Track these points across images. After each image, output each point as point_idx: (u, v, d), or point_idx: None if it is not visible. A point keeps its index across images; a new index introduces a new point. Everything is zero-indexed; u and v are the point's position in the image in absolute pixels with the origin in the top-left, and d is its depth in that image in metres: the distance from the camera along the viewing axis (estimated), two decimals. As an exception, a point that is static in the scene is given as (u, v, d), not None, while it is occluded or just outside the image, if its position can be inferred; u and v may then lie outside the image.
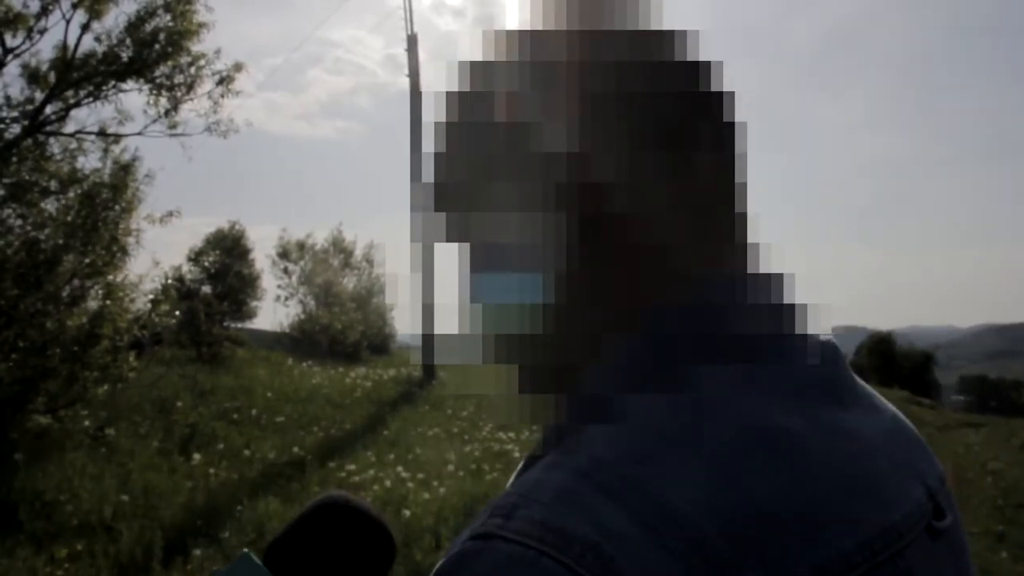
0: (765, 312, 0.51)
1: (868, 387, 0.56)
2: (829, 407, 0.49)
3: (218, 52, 8.25)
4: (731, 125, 0.53)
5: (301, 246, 19.43)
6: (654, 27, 0.52)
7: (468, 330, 0.55)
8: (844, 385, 0.53)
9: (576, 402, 0.49)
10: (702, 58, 0.52)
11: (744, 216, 0.54)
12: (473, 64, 0.54)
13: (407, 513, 5.56)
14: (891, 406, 0.57)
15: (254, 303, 17.61)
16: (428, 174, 0.56)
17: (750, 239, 0.54)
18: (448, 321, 0.56)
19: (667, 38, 0.52)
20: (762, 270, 0.53)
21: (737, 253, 0.53)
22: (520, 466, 0.53)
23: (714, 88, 0.52)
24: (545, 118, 0.51)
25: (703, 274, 0.51)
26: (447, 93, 0.55)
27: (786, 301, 0.52)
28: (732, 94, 0.53)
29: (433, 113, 0.56)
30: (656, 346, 0.48)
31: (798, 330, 0.52)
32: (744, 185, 0.54)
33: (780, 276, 0.53)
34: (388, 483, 6.48)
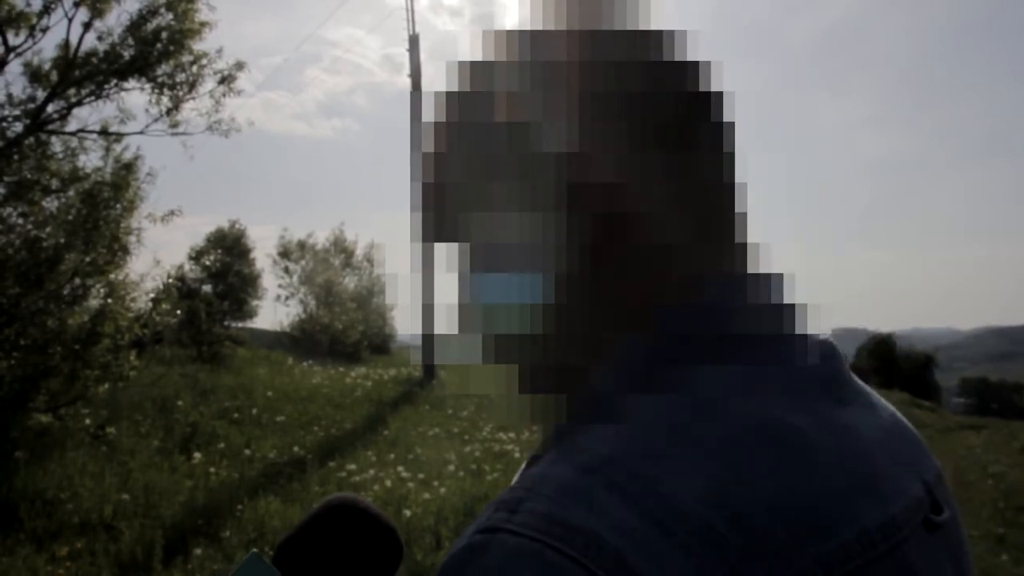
0: (765, 312, 0.51)
1: (866, 385, 0.57)
2: (829, 405, 0.50)
3: (220, 51, 8.27)
4: (727, 125, 0.53)
5: (302, 245, 19.46)
6: (654, 27, 0.52)
7: (468, 330, 0.55)
8: (843, 383, 0.54)
9: (579, 402, 0.50)
10: (700, 58, 0.53)
11: (743, 216, 0.54)
12: (473, 64, 0.54)
13: (407, 513, 5.56)
14: (889, 404, 0.58)
15: (255, 302, 17.65)
16: (427, 174, 0.56)
17: (746, 239, 0.54)
18: (448, 321, 0.56)
19: (667, 38, 0.52)
20: (761, 270, 0.54)
21: (736, 253, 0.54)
22: (523, 466, 0.54)
23: (713, 88, 0.53)
24: (545, 118, 0.51)
25: (703, 274, 0.51)
26: (447, 93, 0.55)
27: (785, 301, 0.53)
28: (730, 94, 0.53)
29: (432, 113, 0.56)
30: (657, 346, 0.49)
31: (798, 330, 0.52)
32: (744, 185, 0.54)
33: (779, 276, 0.53)
34: (388, 483, 6.48)
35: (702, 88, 0.52)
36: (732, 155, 0.53)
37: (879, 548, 0.45)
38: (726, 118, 0.53)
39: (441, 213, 0.56)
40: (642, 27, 0.52)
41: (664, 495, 0.41)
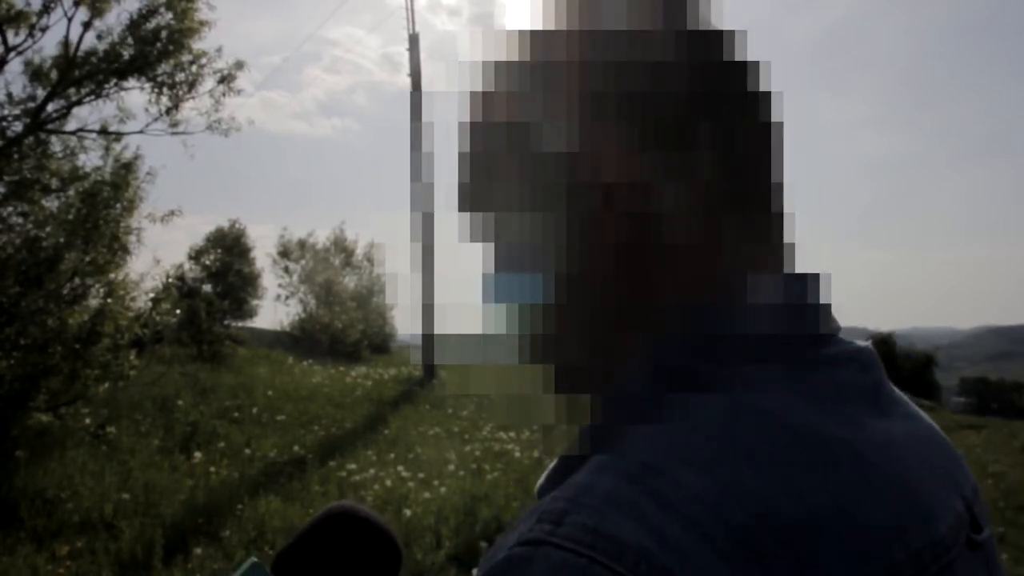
0: (799, 313, 0.49)
1: (903, 395, 0.55)
2: (870, 415, 0.49)
3: (219, 50, 8.27)
4: (760, 125, 0.52)
5: (302, 245, 19.46)
6: (656, 27, 0.52)
7: (484, 330, 0.55)
8: (883, 393, 0.52)
9: (616, 402, 0.48)
10: (725, 59, 0.52)
11: (780, 216, 0.52)
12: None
13: (408, 512, 5.56)
14: (925, 414, 0.56)
15: (254, 302, 17.67)
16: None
17: (789, 239, 0.53)
18: (459, 321, 0.56)
19: (669, 38, 0.51)
20: (794, 270, 0.52)
21: (765, 253, 0.52)
22: (552, 466, 0.52)
23: (750, 88, 0.51)
24: (546, 118, 0.51)
25: (725, 275, 0.50)
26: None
27: (821, 302, 0.51)
28: (767, 94, 0.52)
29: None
30: (690, 347, 0.47)
31: (834, 332, 0.51)
32: (780, 185, 0.52)
33: (817, 276, 0.51)
34: (389, 482, 6.48)
35: (710, 88, 0.50)
36: (751, 155, 0.51)
37: (929, 569, 0.44)
38: (763, 118, 0.52)
39: (476, 212, 0.55)
40: (643, 27, 0.51)
41: (711, 507, 0.39)
